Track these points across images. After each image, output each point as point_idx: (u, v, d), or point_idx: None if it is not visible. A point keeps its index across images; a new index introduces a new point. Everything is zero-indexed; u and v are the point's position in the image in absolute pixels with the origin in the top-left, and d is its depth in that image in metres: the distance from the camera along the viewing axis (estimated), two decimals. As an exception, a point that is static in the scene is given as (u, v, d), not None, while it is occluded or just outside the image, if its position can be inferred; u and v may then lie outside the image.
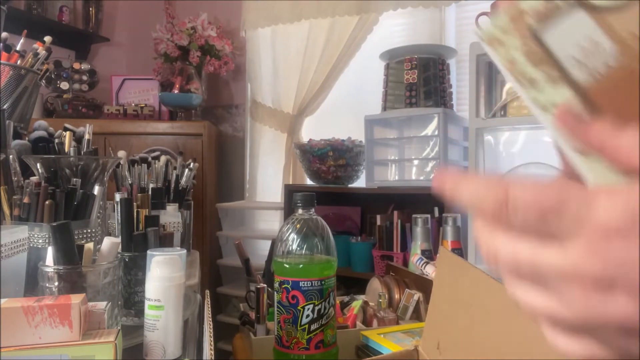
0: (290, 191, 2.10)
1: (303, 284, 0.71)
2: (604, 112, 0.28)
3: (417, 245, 1.22)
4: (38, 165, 0.79)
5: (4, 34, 1.04)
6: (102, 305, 0.57)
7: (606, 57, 0.27)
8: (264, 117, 2.58)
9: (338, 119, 2.42)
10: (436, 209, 1.78)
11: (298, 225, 0.74)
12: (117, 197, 1.08)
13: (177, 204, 1.20)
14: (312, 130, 2.46)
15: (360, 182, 2.16)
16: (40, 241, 0.72)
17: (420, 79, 1.89)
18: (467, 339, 0.54)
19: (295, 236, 0.73)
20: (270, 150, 2.60)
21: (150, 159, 1.32)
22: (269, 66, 2.57)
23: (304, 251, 0.73)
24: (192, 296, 0.95)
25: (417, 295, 0.97)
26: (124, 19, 3.02)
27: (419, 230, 1.24)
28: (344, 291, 1.89)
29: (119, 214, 0.84)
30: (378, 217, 1.96)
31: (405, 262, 1.72)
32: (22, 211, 0.73)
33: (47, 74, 1.14)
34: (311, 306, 0.71)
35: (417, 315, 0.96)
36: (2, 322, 0.49)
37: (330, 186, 2.13)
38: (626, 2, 0.26)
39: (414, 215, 1.26)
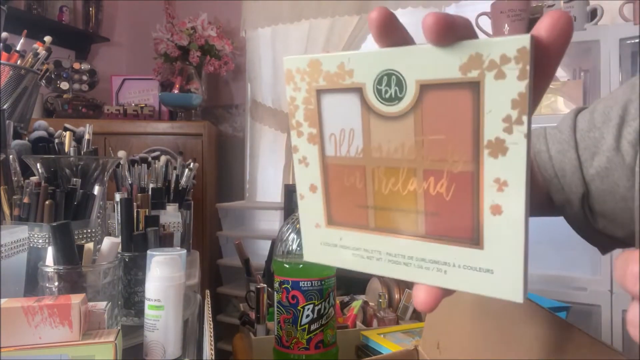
0: (290, 191, 2.10)
1: (303, 284, 0.71)
2: (326, 184, 0.32)
3: (417, 245, 1.22)
4: (38, 165, 0.79)
5: (4, 34, 1.04)
6: (102, 305, 0.57)
7: (354, 147, 0.30)
8: (264, 117, 2.58)
9: (338, 119, 2.42)
10: (436, 209, 1.77)
11: (298, 225, 0.74)
12: (117, 197, 1.08)
13: (177, 204, 1.19)
14: (312, 130, 2.46)
15: (360, 182, 2.16)
16: (40, 241, 0.72)
17: (420, 79, 1.88)
18: (467, 339, 0.54)
19: (295, 236, 0.73)
20: (270, 150, 2.60)
21: (150, 159, 1.32)
22: (269, 66, 2.57)
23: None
24: (192, 296, 0.95)
25: (417, 295, 0.97)
26: (124, 19, 3.02)
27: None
28: (344, 291, 1.89)
29: (119, 214, 0.84)
30: (378, 217, 1.96)
31: (405, 262, 1.72)
32: (22, 211, 0.73)
33: (47, 74, 1.14)
34: (311, 306, 0.71)
35: (417, 315, 0.96)
36: (2, 322, 0.49)
37: (330, 186, 2.13)
38: (392, 113, 0.28)
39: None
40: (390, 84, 0.28)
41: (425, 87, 0.27)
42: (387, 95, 0.28)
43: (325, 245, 0.33)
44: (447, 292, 0.30)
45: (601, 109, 0.48)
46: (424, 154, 0.28)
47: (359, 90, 0.29)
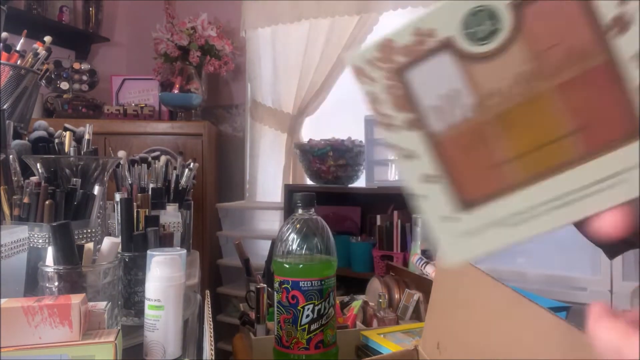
0: (290, 191, 2.10)
1: (303, 284, 0.71)
2: (446, 166, 0.28)
3: (417, 245, 1.22)
4: (38, 165, 0.79)
5: (4, 34, 1.04)
6: (102, 305, 0.57)
7: (464, 108, 0.27)
8: (264, 117, 2.58)
9: (338, 119, 2.42)
10: (436, 209, 1.77)
11: (298, 225, 0.74)
12: (117, 197, 1.08)
13: (177, 204, 1.19)
14: (312, 130, 2.46)
15: (360, 182, 2.16)
16: (40, 241, 0.72)
17: (420, 79, 1.89)
18: (467, 339, 0.54)
19: (295, 236, 0.73)
20: (270, 150, 2.60)
21: (150, 159, 1.32)
22: (269, 66, 2.57)
23: (304, 251, 0.73)
24: (192, 296, 0.95)
25: (417, 295, 0.97)
26: (124, 19, 3.02)
27: (419, 230, 1.24)
28: (344, 291, 1.89)
29: (119, 214, 0.84)
30: (378, 217, 1.96)
31: (405, 262, 1.72)
32: (22, 211, 0.73)
33: (47, 74, 1.14)
34: (311, 306, 0.71)
35: (417, 315, 0.96)
36: (2, 322, 0.49)
37: (330, 186, 2.13)
38: (493, 50, 0.26)
39: (414, 215, 1.26)
40: (480, 21, 0.26)
41: (519, 5, 0.25)
42: (482, 34, 0.26)
43: (468, 235, 0.29)
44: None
45: None
46: (546, 72, 0.26)
47: (447, 46, 0.26)
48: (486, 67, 0.26)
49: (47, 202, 0.72)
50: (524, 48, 0.26)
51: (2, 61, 1.00)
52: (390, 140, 0.28)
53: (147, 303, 0.62)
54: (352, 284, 1.90)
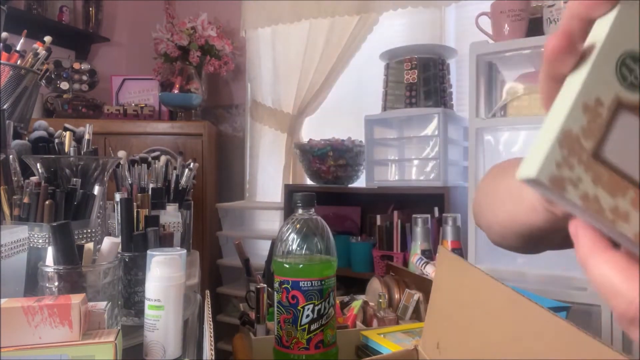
0: (290, 191, 2.10)
1: (303, 284, 0.71)
2: None
3: (417, 245, 1.22)
4: (38, 165, 0.79)
5: (4, 34, 1.04)
6: (102, 305, 0.57)
7: None
8: (264, 117, 2.58)
9: (338, 119, 2.42)
10: (436, 209, 1.78)
11: (298, 225, 0.74)
12: (117, 197, 1.08)
13: (177, 204, 1.19)
14: (312, 130, 2.46)
15: (360, 182, 2.16)
16: (40, 241, 0.72)
17: (420, 79, 1.89)
18: (467, 339, 0.54)
19: (295, 236, 0.73)
20: (270, 150, 2.60)
21: (150, 159, 1.32)
22: (269, 66, 2.57)
23: (304, 251, 0.73)
24: (192, 296, 0.95)
25: (417, 295, 0.97)
26: (124, 19, 3.02)
27: (419, 230, 1.24)
28: (344, 291, 1.90)
29: (119, 214, 0.84)
30: (378, 217, 1.96)
31: (405, 262, 1.72)
32: (22, 211, 0.73)
33: (47, 74, 1.14)
34: (311, 306, 0.71)
35: (417, 315, 0.96)
36: (2, 322, 0.49)
37: (330, 186, 2.13)
38: None
39: (414, 215, 1.26)
40: (631, 67, 0.24)
41: None
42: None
43: None
44: None
45: None
46: None
47: (621, 106, 0.24)
48: None
49: (47, 202, 0.72)
50: None
51: (2, 61, 1.00)
52: (627, 233, 0.24)
53: (147, 303, 0.62)
54: (352, 284, 1.91)
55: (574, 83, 0.24)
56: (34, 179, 0.76)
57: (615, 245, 0.24)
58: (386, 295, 0.98)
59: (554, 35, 0.25)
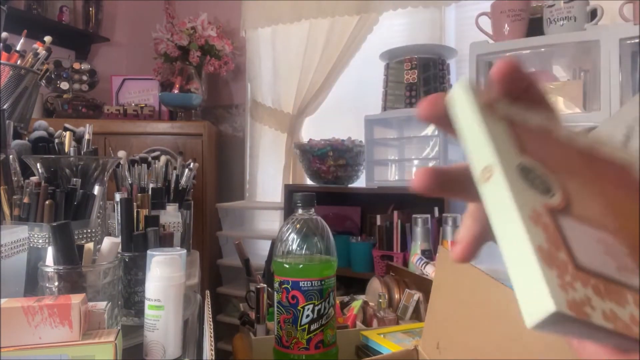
0: (290, 191, 2.10)
1: (303, 284, 0.71)
2: None
3: (417, 245, 1.22)
4: (38, 165, 0.79)
5: (4, 34, 1.04)
6: (102, 305, 0.57)
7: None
8: (264, 117, 2.58)
9: (338, 119, 2.42)
10: (436, 209, 1.78)
11: (298, 225, 0.74)
12: (117, 197, 1.08)
13: (177, 204, 1.19)
14: (312, 130, 2.46)
15: (360, 182, 2.16)
16: (40, 241, 0.72)
17: (420, 79, 1.89)
18: (467, 339, 0.54)
19: (295, 236, 0.73)
20: (270, 150, 2.60)
21: (150, 159, 1.32)
22: (269, 66, 2.57)
23: (304, 251, 0.73)
24: (192, 296, 0.95)
25: (417, 295, 0.97)
26: (124, 19, 3.02)
27: (419, 230, 1.24)
28: (344, 291, 1.89)
29: (119, 214, 0.84)
30: (378, 217, 1.96)
31: (405, 262, 1.72)
32: (22, 211, 0.73)
33: (47, 74, 1.14)
34: (311, 306, 0.71)
35: (417, 315, 0.96)
36: (2, 322, 0.49)
37: (330, 186, 2.13)
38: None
39: (414, 215, 1.26)
40: (530, 172, 0.23)
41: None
42: (542, 188, 0.23)
43: None
44: None
45: (606, 129, 0.49)
46: None
47: (559, 213, 0.22)
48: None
49: (47, 202, 0.72)
50: None
51: (2, 61, 1.00)
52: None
53: (147, 303, 0.62)
54: (352, 284, 1.90)
55: (500, 202, 0.22)
56: (34, 179, 0.76)
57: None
58: (386, 295, 0.98)
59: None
